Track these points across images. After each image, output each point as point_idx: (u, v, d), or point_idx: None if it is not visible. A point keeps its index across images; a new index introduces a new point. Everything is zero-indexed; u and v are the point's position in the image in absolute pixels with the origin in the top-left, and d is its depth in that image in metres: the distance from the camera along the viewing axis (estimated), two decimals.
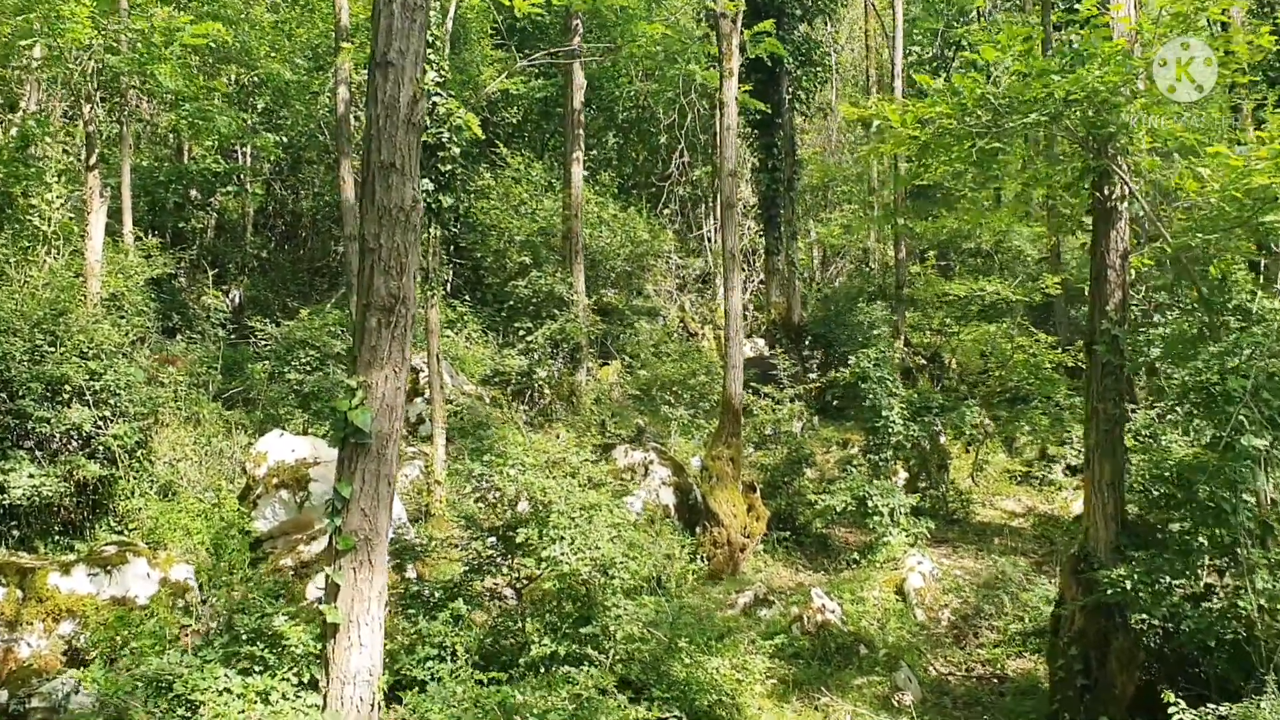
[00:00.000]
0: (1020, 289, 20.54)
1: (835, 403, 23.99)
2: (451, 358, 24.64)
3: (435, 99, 16.87)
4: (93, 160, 15.65)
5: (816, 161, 37.37)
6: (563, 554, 9.83)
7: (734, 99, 16.04)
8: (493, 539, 10.84)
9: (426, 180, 16.74)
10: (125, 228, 24.77)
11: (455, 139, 17.05)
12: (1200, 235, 9.69)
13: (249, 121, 29.22)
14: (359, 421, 6.74)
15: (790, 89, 27.31)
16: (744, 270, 35.77)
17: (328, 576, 7.41)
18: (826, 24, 30.75)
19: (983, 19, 36.99)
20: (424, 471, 18.92)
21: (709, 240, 35.79)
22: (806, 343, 26.98)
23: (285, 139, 33.22)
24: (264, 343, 18.66)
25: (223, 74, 32.32)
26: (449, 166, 16.90)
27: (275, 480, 12.87)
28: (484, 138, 19.89)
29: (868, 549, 16.11)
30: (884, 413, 16.49)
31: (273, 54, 30.45)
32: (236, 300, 33.57)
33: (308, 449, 13.16)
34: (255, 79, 32.52)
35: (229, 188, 32.48)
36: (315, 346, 18.00)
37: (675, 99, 35.99)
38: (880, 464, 16.71)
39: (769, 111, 26.10)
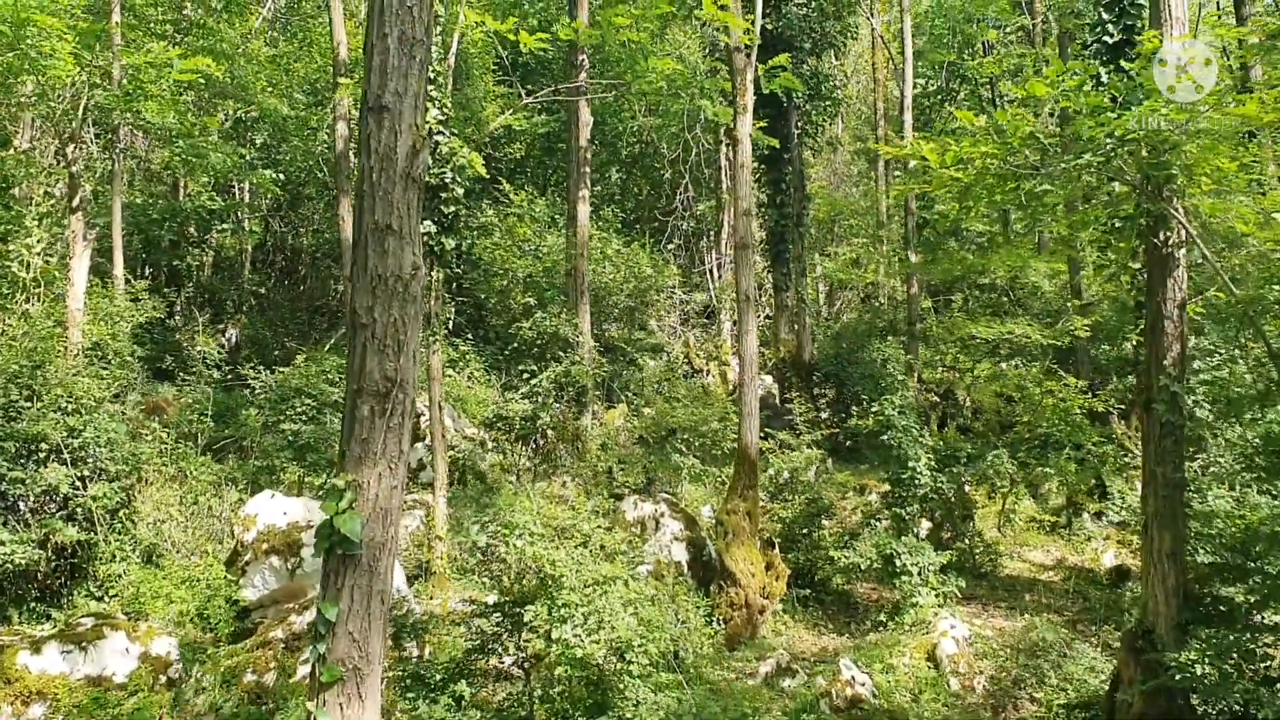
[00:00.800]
0: (1049, 332, 19.74)
1: (849, 444, 23.18)
2: (453, 399, 23.83)
3: (438, 138, 16.15)
4: (76, 201, 14.89)
5: (823, 195, 36.70)
6: (574, 634, 8.98)
7: (748, 135, 15.31)
8: (498, 615, 9.98)
9: (429, 222, 16.00)
10: (116, 268, 24.03)
11: (459, 179, 16.30)
12: (1277, 286, 8.91)
13: (246, 157, 28.55)
14: (347, 529, 5.63)
15: (799, 123, 26.66)
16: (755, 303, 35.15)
17: (309, 714, 6.19)
18: (835, 57, 30.19)
19: (995, 50, 36.35)
20: (424, 523, 18.08)
21: (711, 275, 35.13)
22: (816, 381, 26.20)
23: (283, 175, 32.60)
24: (258, 390, 17.81)
25: (220, 109, 31.78)
26: (452, 208, 16.15)
27: (265, 545, 12.02)
28: (487, 175, 19.16)
29: (894, 610, 15.22)
30: (910, 464, 15.63)
31: (270, 89, 29.85)
32: (233, 340, 32.80)
33: (301, 511, 12.31)
34: (253, 115, 31.94)
35: (225, 225, 31.79)
36: (312, 395, 17.17)
37: (679, 134, 35.45)
38: (906, 518, 15.84)
39: (778, 146, 25.39)
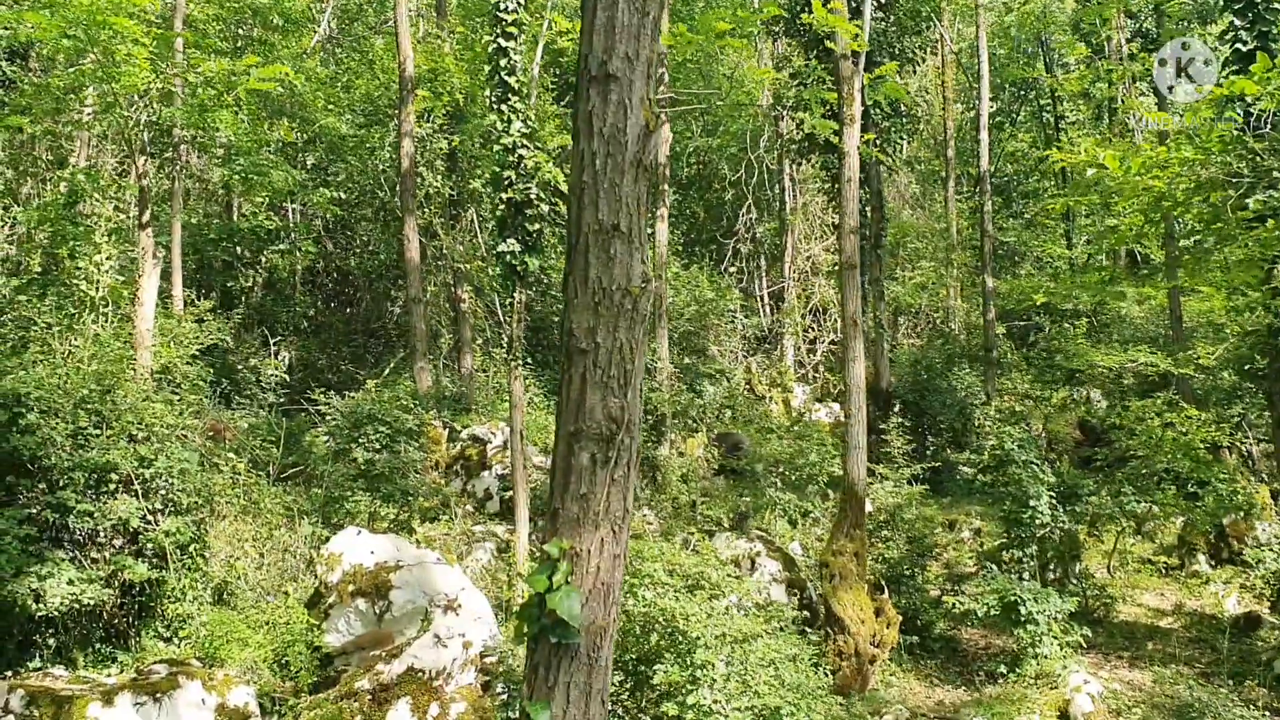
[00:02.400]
0: (1171, 361, 18.56)
1: (931, 474, 22.04)
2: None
3: (521, 152, 15.27)
4: (145, 217, 14.10)
5: (891, 217, 35.65)
6: (714, 702, 7.94)
7: (855, 148, 14.33)
8: (619, 675, 8.97)
9: (512, 240, 15.11)
10: (175, 289, 23.37)
11: (543, 195, 15.40)
12: None
13: (300, 177, 27.90)
14: (563, 610, 4.43)
15: (878, 142, 25.64)
16: (813, 330, 34.09)
17: None
18: (913, 72, 29.21)
19: (1066, 69, 35.27)
20: (495, 555, 17.16)
21: (763, 298, 34.15)
22: (896, 410, 25.05)
23: (340, 195, 31.99)
24: (325, 415, 16.93)
25: (276, 129, 31.20)
26: (537, 225, 15.24)
27: (351, 587, 11.07)
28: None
29: (1013, 660, 14.04)
30: (1031, 502, 14.49)
31: (329, 107, 29.21)
32: (287, 362, 32.14)
33: (389, 550, 11.37)
34: (309, 134, 31.36)
35: (279, 246, 31.15)
36: (385, 422, 16.27)
37: (739, 154, 34.58)
38: (1026, 561, 14.69)
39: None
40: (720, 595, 9.42)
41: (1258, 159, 7.90)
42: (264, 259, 32.14)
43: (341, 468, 16.03)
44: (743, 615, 9.39)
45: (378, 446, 16.01)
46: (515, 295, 15.45)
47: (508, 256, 15.04)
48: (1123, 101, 29.91)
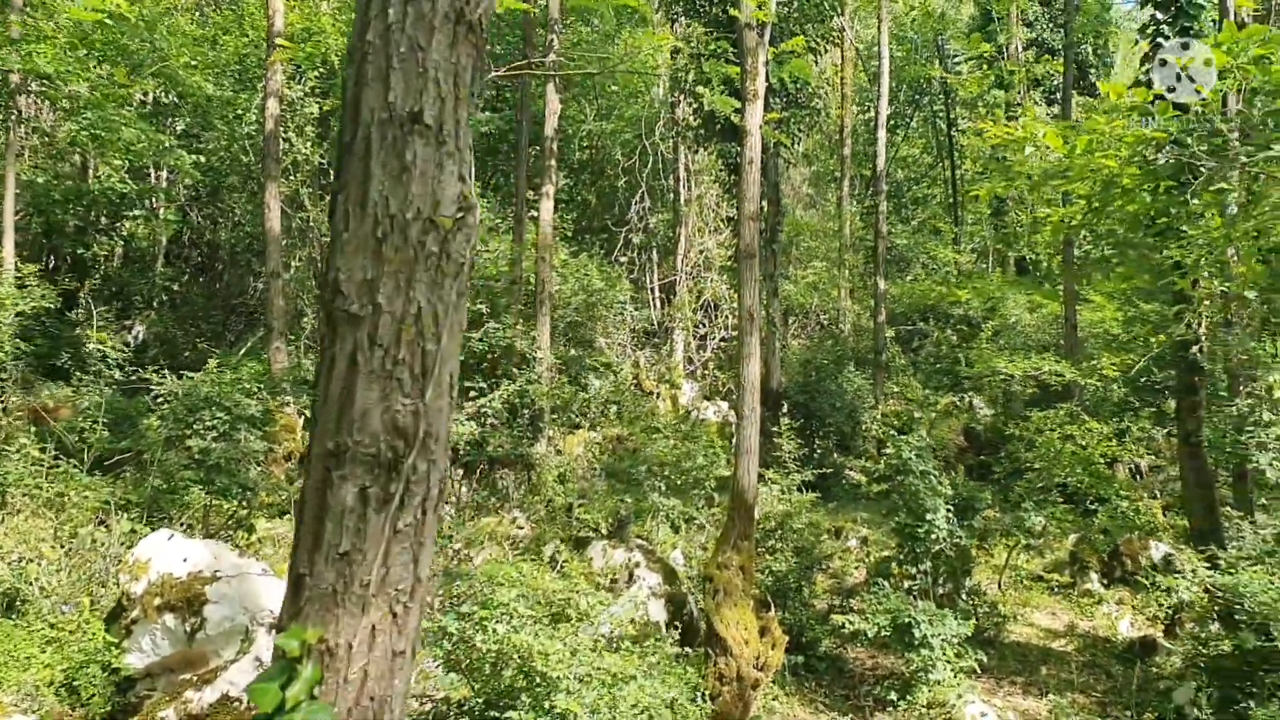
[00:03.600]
0: (1084, 371, 17.84)
1: (819, 480, 21.12)
2: None
3: None
4: None
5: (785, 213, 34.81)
6: None
7: (758, 127, 13.13)
8: None
9: None
10: (5, 250, 21.15)
11: None
12: None
13: (166, 140, 25.70)
14: None
15: (778, 130, 24.62)
16: (704, 326, 33.06)
17: None
18: (815, 63, 28.28)
19: (962, 71, 34.91)
20: None
21: (655, 291, 33.04)
22: (785, 411, 24.11)
23: (205, 161, 29.78)
24: (160, 398, 15.11)
25: (136, 85, 28.84)
26: None
27: (158, 600, 9.44)
28: None
29: (905, 686, 13.02)
30: (928, 516, 13.50)
31: (194, 66, 26.98)
32: (140, 338, 29.84)
33: (205, 557, 9.76)
34: (175, 96, 29.11)
35: (136, 212, 28.78)
36: (225, 407, 14.52)
37: (634, 140, 33.40)
38: (920, 578, 13.71)
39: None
40: (590, 623, 8.11)
41: (1222, 141, 6.98)
42: (123, 227, 29.80)
43: (174, 457, 14.27)
44: (615, 650, 8.10)
45: (215, 434, 14.27)
46: None
47: None
48: (1021, 107, 29.52)
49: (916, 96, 42.63)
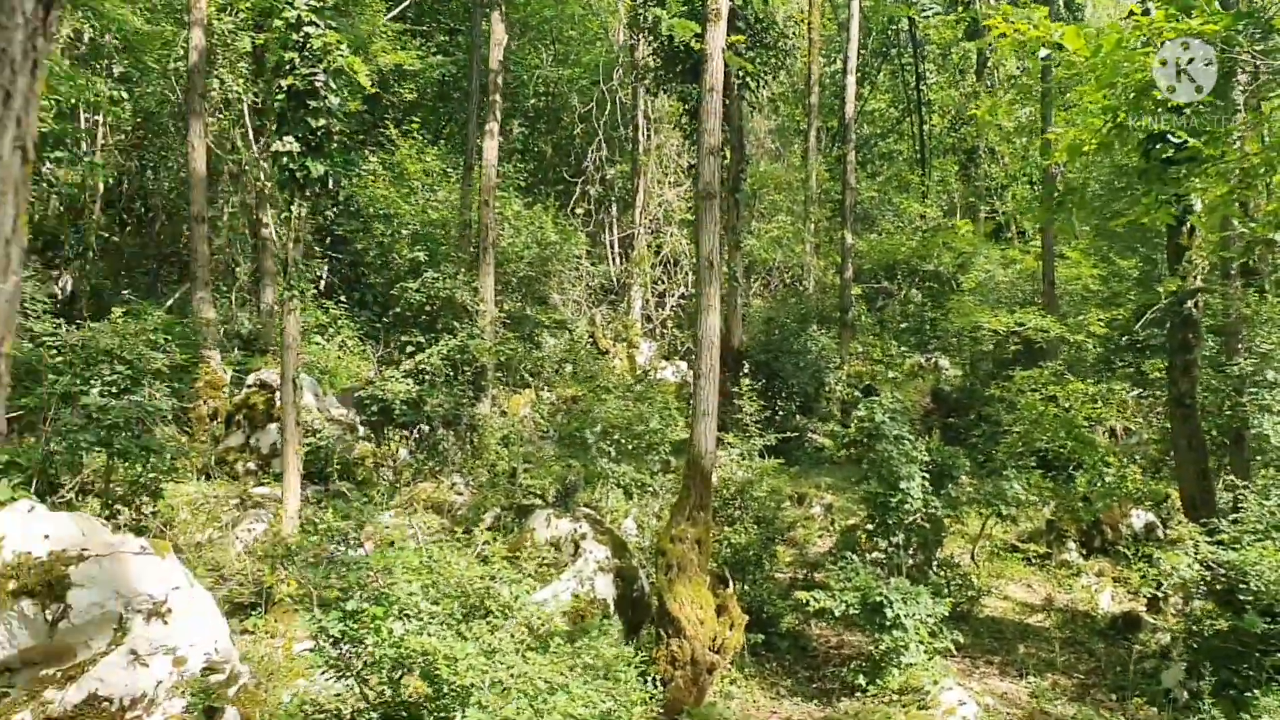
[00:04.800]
0: (1070, 327, 16.68)
1: (780, 443, 20.00)
2: (319, 371, 19.88)
3: (308, 29, 12.22)
4: None
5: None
6: None
7: (720, 50, 11.77)
8: None
9: (290, 139, 12.08)
10: None
11: (333, 85, 12.39)
12: None
13: (81, 78, 23.91)
14: None
15: (739, 73, 23.21)
16: (662, 282, 31.75)
17: None
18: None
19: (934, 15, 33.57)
20: (272, 528, 14.24)
21: (613, 246, 31.69)
22: (746, 372, 22.89)
23: (137, 103, 27.99)
24: (56, 349, 13.61)
25: (65, 20, 26.98)
26: (322, 122, 12.22)
27: (13, 584, 8.03)
28: (366, 109, 15.25)
29: (874, 668, 11.90)
30: (902, 484, 12.31)
31: None
32: (68, 289, 28.17)
33: (72, 533, 8.35)
34: (104, 34, 27.22)
35: (59, 154, 26.90)
36: (127, 360, 13.08)
37: (591, 87, 31.92)
38: (892, 551, 12.56)
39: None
40: (511, 616, 6.83)
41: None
42: (51, 171, 27.95)
43: (70, 415, 12.81)
44: (545, 650, 6.82)
45: (115, 390, 12.82)
46: (293, 208, 12.42)
47: (285, 159, 12.01)
48: (992, 50, 28.26)
49: (885, 49, 41.35)
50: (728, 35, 12.64)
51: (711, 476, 11.97)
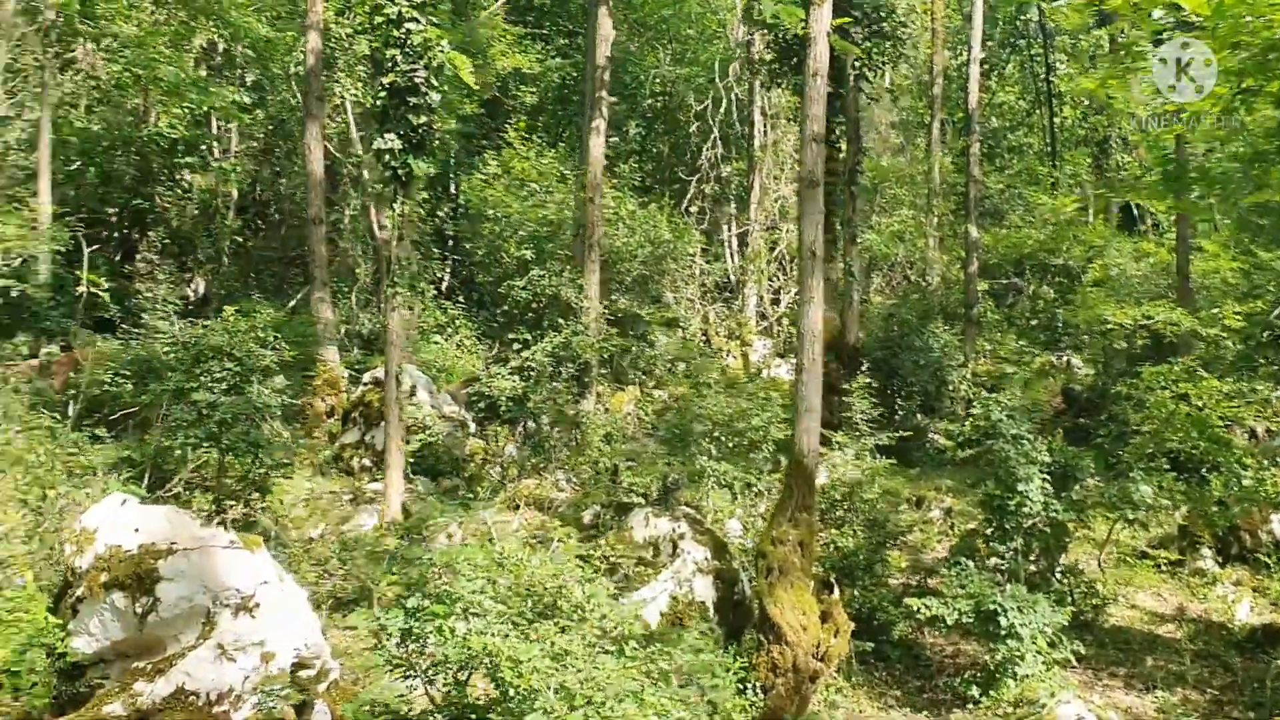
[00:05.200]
0: (1203, 320, 15.75)
1: (900, 443, 19.34)
2: (437, 370, 20.04)
3: (409, 25, 12.22)
4: None
5: (866, 160, 32.66)
6: None
7: (824, 35, 11.37)
8: None
9: (391, 136, 12.09)
10: (42, 196, 20.25)
11: (434, 82, 12.36)
12: None
13: (235, 97, 24.62)
14: None
15: (856, 63, 22.59)
16: (778, 279, 31.23)
17: None
18: None
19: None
20: (380, 525, 14.34)
21: (729, 244, 31.30)
22: (864, 369, 22.27)
23: (266, 111, 28.82)
24: (167, 347, 13.92)
25: (198, 33, 27.96)
26: (423, 119, 12.20)
27: (104, 576, 8.15)
28: (484, 112, 15.24)
29: (989, 678, 11.33)
30: (1020, 486, 11.69)
31: (244, 4, 25.84)
32: (200, 292, 29.15)
33: (161, 528, 8.43)
34: (233, 42, 28.09)
35: (189, 159, 27.75)
36: (236, 357, 13.26)
37: (708, 86, 31.57)
38: (1009, 557, 11.94)
39: (829, 88, 21.45)
40: (583, 619, 6.56)
41: None
42: (187, 180, 28.89)
43: (180, 412, 13.05)
44: (619, 654, 6.52)
45: (224, 387, 13.02)
46: (396, 205, 12.43)
47: (386, 156, 12.02)
48: (1124, 37, 26.95)
49: (1013, 39, 39.99)
50: (836, 18, 12.20)
51: (815, 477, 11.55)
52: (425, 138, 12.25)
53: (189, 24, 27.31)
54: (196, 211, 30.31)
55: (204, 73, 28.23)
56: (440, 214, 26.03)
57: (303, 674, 8.45)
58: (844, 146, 22.55)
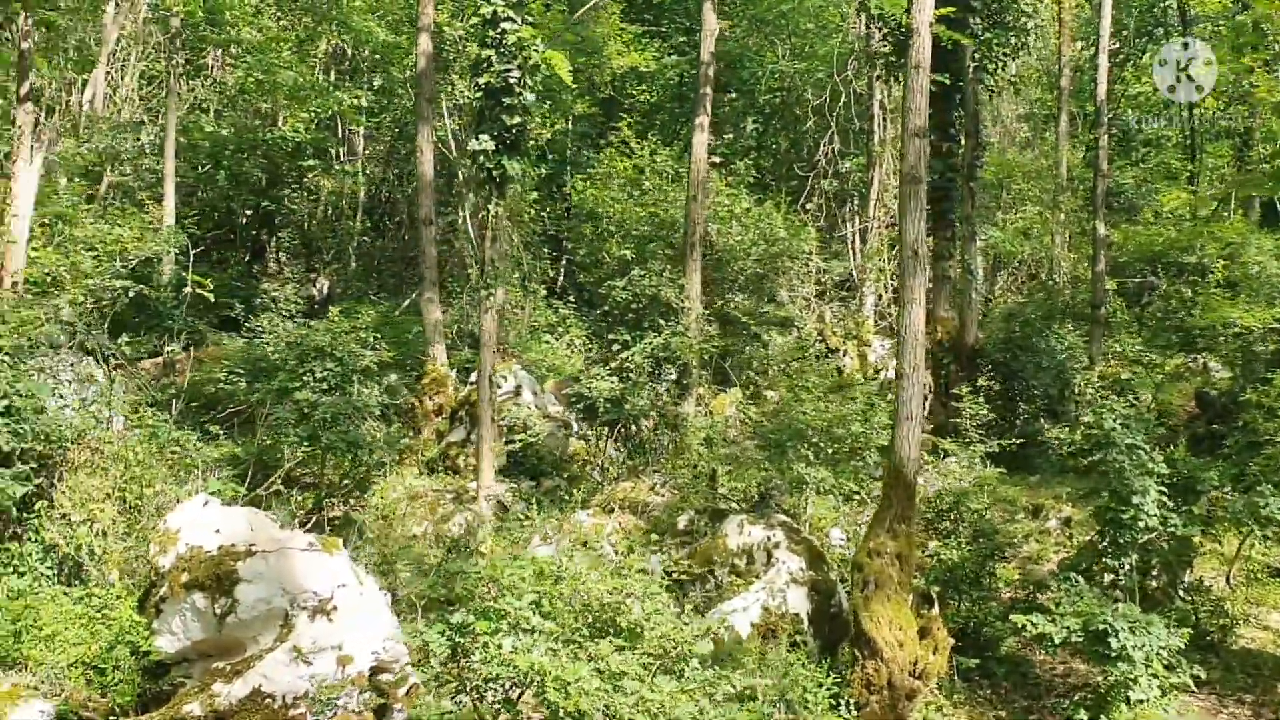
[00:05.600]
0: None
1: (1017, 446, 18.55)
2: (545, 369, 20.04)
3: (504, 25, 12.16)
4: (24, 88, 11.24)
5: (990, 155, 31.57)
6: None
7: (927, 25, 10.90)
8: None
9: (485, 137, 12.05)
10: (167, 198, 20.96)
11: (530, 82, 12.27)
12: None
13: (360, 100, 25.15)
14: None
15: (975, 54, 21.83)
16: (895, 278, 30.41)
17: None
18: None
19: None
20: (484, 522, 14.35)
21: (851, 241, 30.60)
22: (983, 372, 21.49)
23: (391, 114, 29.44)
24: (272, 346, 14.17)
25: (324, 37, 28.70)
26: (517, 119, 12.12)
27: (185, 576, 8.25)
28: (573, 85, 15.13)
29: (1099, 701, 10.72)
30: (1135, 499, 11.03)
31: (367, 9, 26.42)
32: (324, 291, 29.91)
33: (240, 527, 8.51)
34: (354, 47, 28.76)
35: (313, 161, 28.44)
36: (337, 358, 13.44)
37: (826, 80, 30.93)
38: (1123, 574, 11.28)
39: (945, 81, 20.78)
40: (639, 637, 6.27)
41: None
42: (312, 180, 29.63)
43: (283, 411, 13.28)
44: (678, 674, 6.22)
45: (325, 387, 13.20)
46: (491, 206, 12.38)
47: (480, 157, 11.98)
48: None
49: (1149, 28, 38.24)
50: (944, 7, 11.72)
51: (914, 486, 11.09)
52: (519, 138, 12.18)
53: (314, 29, 28.05)
54: (323, 213, 31.12)
55: (331, 77, 28.99)
56: (551, 214, 26.10)
57: (382, 678, 8.42)
58: (962, 141, 21.83)
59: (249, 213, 28.97)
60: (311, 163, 28.23)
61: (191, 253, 18.78)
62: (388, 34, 26.52)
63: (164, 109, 22.38)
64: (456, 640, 6.24)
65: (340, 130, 30.24)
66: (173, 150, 21.03)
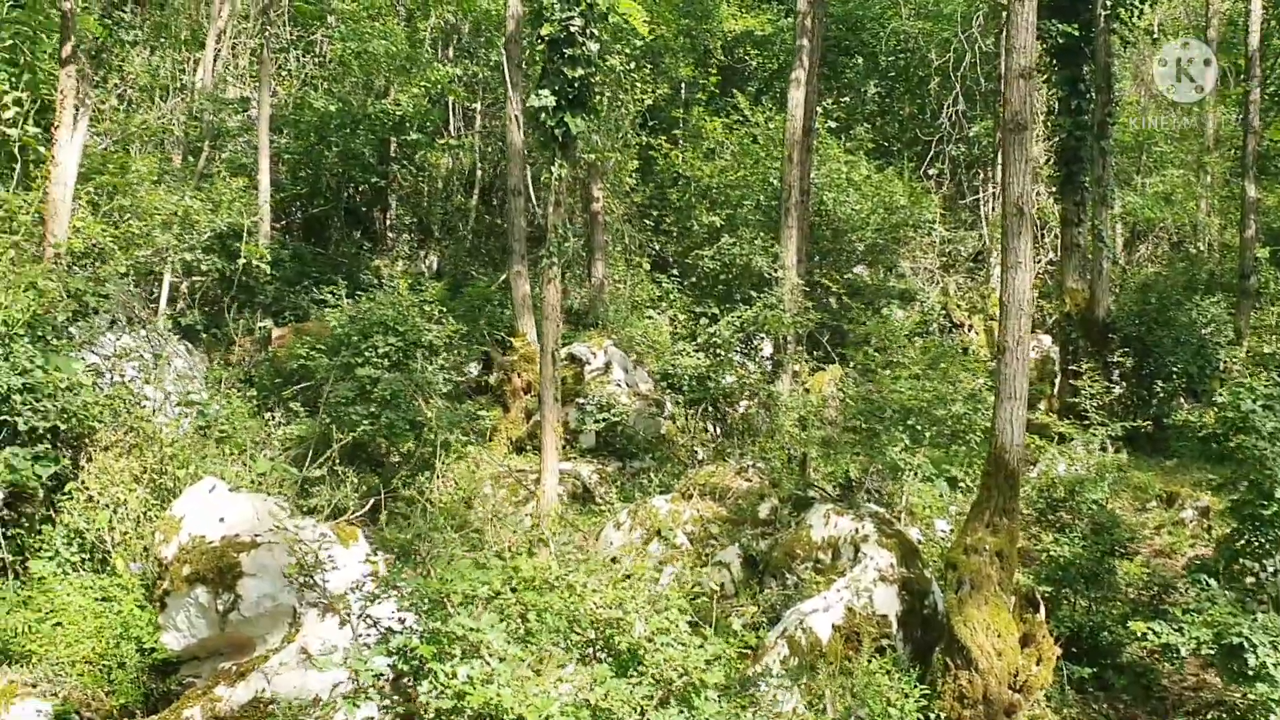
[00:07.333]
0: None
1: (1149, 427, 16.87)
2: (648, 345, 19.14)
3: None
4: (66, 50, 10.72)
5: (1128, 115, 29.33)
6: None
7: None
8: None
9: (546, 91, 11.13)
10: (261, 174, 20.69)
11: (594, 30, 11.30)
12: None
13: (460, 72, 24.66)
14: None
15: (1107, 3, 20.00)
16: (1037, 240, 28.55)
17: None
18: None
19: None
20: (563, 504, 13.59)
21: (983, 209, 28.86)
22: (1113, 345, 19.77)
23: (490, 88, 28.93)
24: (335, 321, 13.55)
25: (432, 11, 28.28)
26: (580, 71, 11.16)
27: (187, 569, 7.59)
28: (647, 34, 14.09)
29: None
30: (1277, 493, 9.55)
31: None
32: (435, 267, 29.64)
33: (246, 515, 7.81)
34: (455, 16, 28.24)
35: (415, 135, 28.02)
36: (399, 331, 12.74)
37: (951, 40, 29.17)
38: (1265, 577, 9.82)
39: (1074, 34, 19.07)
40: (637, 661, 5.26)
41: None
42: (423, 156, 29.31)
43: (345, 387, 12.66)
44: (689, 708, 5.18)
45: (388, 362, 12.52)
46: (554, 168, 11.48)
47: (542, 115, 11.07)
48: None
49: None
50: None
51: (1019, 475, 9.81)
52: (583, 92, 11.23)
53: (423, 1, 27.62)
54: (432, 189, 30.81)
55: (449, 53, 28.60)
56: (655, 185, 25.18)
57: (405, 681, 7.64)
58: (1093, 96, 20.02)
59: (359, 190, 28.76)
60: (416, 137, 27.82)
61: (247, 222, 18.34)
62: (487, 2, 25.94)
63: (261, 84, 22.14)
64: (400, 667, 5.39)
65: (452, 105, 29.81)
66: (266, 124, 20.73)
